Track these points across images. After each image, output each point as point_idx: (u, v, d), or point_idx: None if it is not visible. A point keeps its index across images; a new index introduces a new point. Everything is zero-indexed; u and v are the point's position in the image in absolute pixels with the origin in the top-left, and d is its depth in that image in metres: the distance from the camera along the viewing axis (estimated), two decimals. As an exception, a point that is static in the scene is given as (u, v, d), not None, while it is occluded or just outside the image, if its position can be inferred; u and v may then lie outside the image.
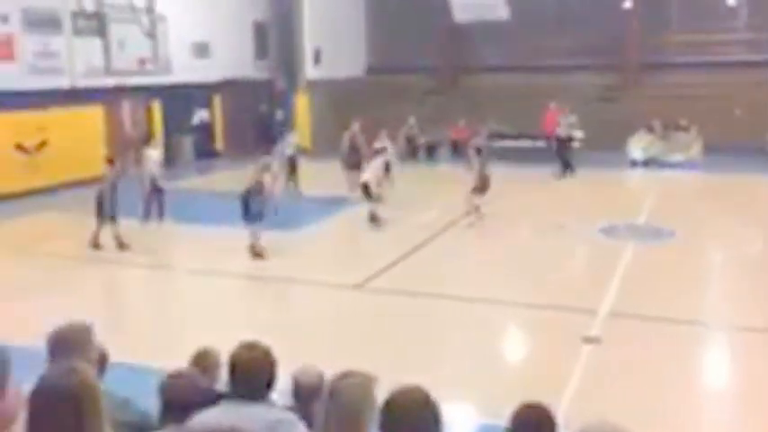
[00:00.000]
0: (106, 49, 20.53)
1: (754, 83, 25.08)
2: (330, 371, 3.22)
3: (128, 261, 13.17)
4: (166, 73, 23.18)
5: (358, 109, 22.50)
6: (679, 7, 28.03)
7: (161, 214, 15.63)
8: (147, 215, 15.48)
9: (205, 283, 12.02)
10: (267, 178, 13.67)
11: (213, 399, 3.55)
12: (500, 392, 7.07)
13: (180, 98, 24.10)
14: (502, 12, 26.15)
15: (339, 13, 29.67)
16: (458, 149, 23.71)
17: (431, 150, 25.52)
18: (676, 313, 9.80)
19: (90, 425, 2.56)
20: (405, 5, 30.77)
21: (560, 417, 3.45)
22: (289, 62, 28.42)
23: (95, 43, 20.44)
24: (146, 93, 22.88)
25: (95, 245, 13.49)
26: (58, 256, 13.32)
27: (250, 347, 3.52)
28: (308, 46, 28.17)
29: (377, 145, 17.66)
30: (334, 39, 28.92)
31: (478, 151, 15.81)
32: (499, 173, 16.16)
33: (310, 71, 28.38)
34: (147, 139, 19.48)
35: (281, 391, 3.95)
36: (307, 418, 3.49)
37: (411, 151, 24.48)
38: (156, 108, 23.77)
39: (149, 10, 21.94)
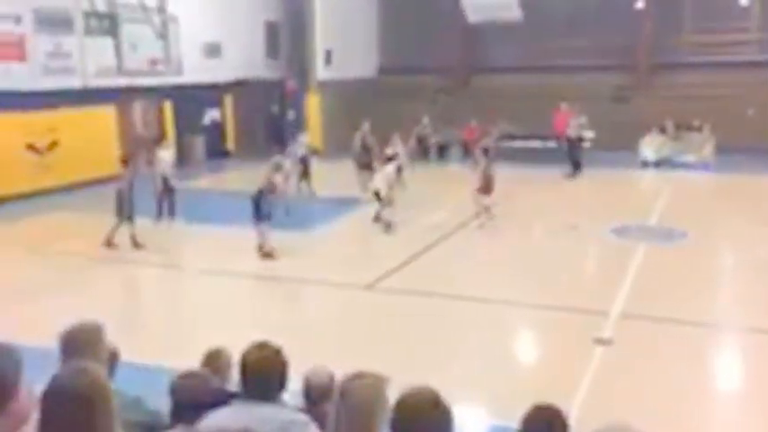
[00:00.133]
0: (118, 50, 20.59)
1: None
2: (341, 371, 3.20)
3: (140, 260, 13.21)
4: (178, 73, 23.23)
5: (369, 109, 22.53)
6: (691, 7, 27.88)
7: (172, 214, 15.69)
8: (159, 215, 15.55)
9: (216, 283, 12.03)
10: (278, 178, 13.69)
11: (224, 399, 3.55)
12: (511, 394, 7.06)
13: (191, 98, 24.15)
14: (515, 12, 26.07)
15: (351, 14, 29.67)
16: (469, 150, 23.68)
17: (442, 150, 25.51)
18: (688, 315, 9.75)
19: (101, 425, 2.56)
20: (417, 6, 30.76)
21: (572, 418, 3.44)
22: (300, 62, 28.42)
23: (107, 43, 20.50)
24: (157, 93, 22.94)
25: (110, 244, 13.54)
26: (69, 256, 13.37)
27: (261, 347, 3.51)
28: (319, 46, 28.15)
29: (389, 151, 17.67)
30: (345, 39, 28.93)
31: (485, 152, 15.80)
32: (510, 173, 16.17)
33: (322, 71, 28.37)
34: (160, 139, 19.54)
35: (293, 392, 3.94)
36: (318, 418, 3.48)
37: (422, 151, 24.44)
38: (168, 108, 23.83)
39: (161, 10, 22.00)
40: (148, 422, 3.61)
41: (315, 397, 4.29)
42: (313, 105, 28.12)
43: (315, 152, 21.48)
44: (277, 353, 3.51)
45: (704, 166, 22.62)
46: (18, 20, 18.65)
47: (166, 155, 16.14)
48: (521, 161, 21.94)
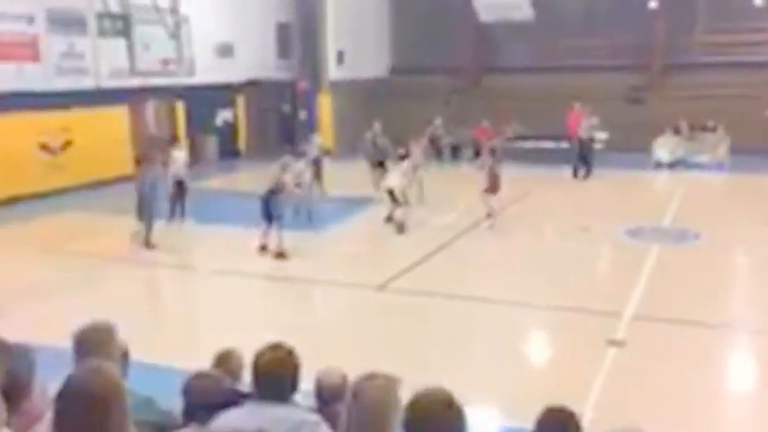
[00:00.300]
0: (131, 50, 20.62)
1: (782, 83, 24.84)
2: (353, 372, 3.20)
3: (152, 261, 13.24)
4: (190, 74, 23.26)
5: (381, 109, 22.52)
6: (705, 7, 27.76)
7: (182, 214, 15.71)
8: (171, 215, 15.58)
9: (228, 284, 12.04)
10: (287, 178, 13.67)
11: (236, 400, 3.56)
12: (524, 395, 7.04)
13: (203, 99, 24.19)
14: (527, 12, 25.99)
15: (363, 14, 29.68)
16: (479, 150, 23.62)
17: (455, 151, 25.48)
18: (702, 316, 9.70)
19: (116, 424, 2.58)
20: (429, 6, 30.71)
21: (585, 420, 3.42)
22: (312, 63, 28.43)
23: (120, 44, 20.54)
24: (170, 93, 23.00)
25: (149, 245, 13.64)
26: (81, 256, 13.40)
27: (274, 349, 3.52)
28: (331, 46, 28.17)
29: (401, 151, 17.65)
30: (357, 39, 28.93)
31: (492, 151, 15.77)
32: (522, 174, 16.11)
33: (333, 72, 28.38)
34: (173, 140, 19.56)
35: (305, 393, 3.94)
36: (330, 419, 3.48)
37: (435, 152, 24.40)
38: (180, 108, 23.90)
39: (173, 11, 22.02)
40: (160, 422, 3.62)
41: (327, 397, 4.29)
42: (325, 106, 28.14)
43: (327, 152, 21.48)
44: (289, 354, 3.51)
45: (719, 167, 22.49)
46: (31, 20, 18.74)
47: (181, 156, 16.18)
48: (533, 162, 21.88)
